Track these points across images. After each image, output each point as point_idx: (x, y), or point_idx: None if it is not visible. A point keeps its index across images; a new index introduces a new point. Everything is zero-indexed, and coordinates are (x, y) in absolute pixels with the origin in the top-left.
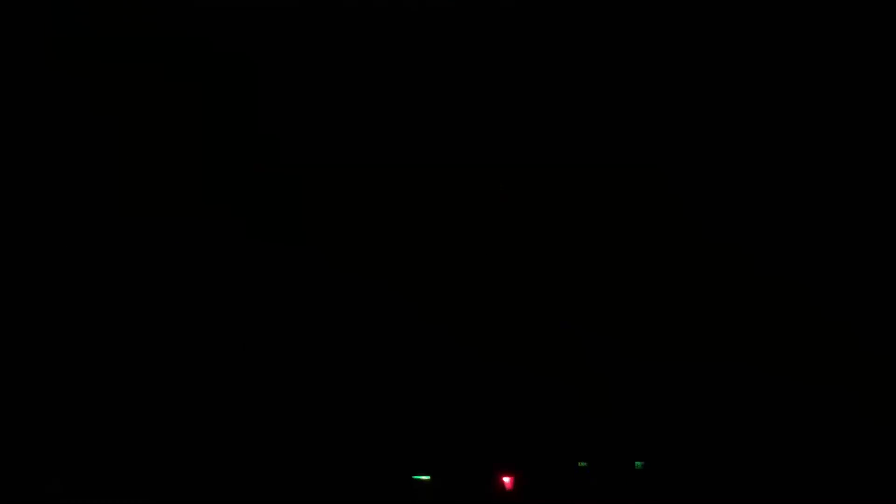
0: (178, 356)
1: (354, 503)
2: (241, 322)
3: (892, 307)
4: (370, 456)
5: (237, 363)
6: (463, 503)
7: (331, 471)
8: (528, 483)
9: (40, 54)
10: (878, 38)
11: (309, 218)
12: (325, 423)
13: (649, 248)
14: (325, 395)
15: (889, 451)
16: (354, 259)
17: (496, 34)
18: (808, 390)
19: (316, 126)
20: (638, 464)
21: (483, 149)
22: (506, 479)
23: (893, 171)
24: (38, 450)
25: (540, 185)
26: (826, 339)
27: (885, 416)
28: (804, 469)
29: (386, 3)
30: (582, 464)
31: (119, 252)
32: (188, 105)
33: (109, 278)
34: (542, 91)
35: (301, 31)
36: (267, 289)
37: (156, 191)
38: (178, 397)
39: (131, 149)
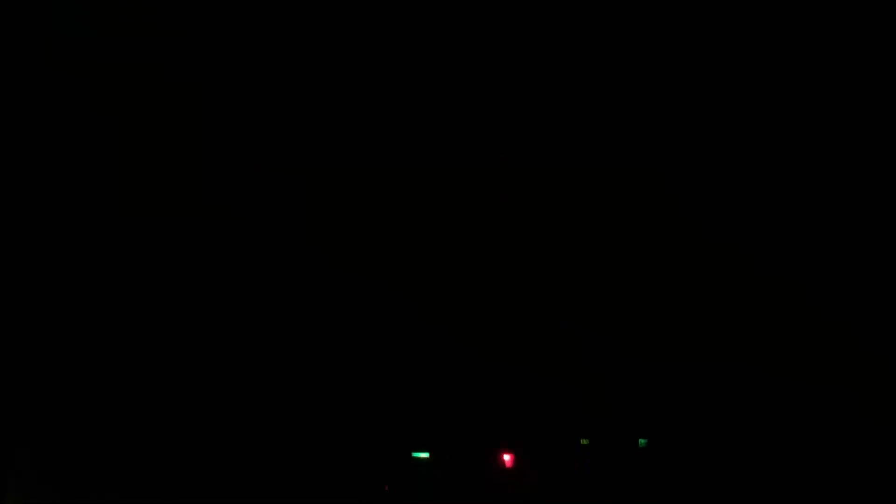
0: (179, 351)
1: (356, 480)
2: (241, 317)
3: (892, 307)
4: (371, 434)
5: (239, 351)
6: (462, 480)
7: (332, 450)
8: (530, 460)
9: (40, 54)
10: (877, 38)
11: (309, 218)
12: (328, 406)
13: (649, 245)
14: (327, 381)
15: (888, 450)
16: (354, 258)
17: (496, 34)
18: (804, 378)
19: (316, 126)
20: (642, 441)
21: (482, 149)
22: (506, 457)
23: (893, 171)
24: (38, 449)
25: (540, 185)
26: (824, 332)
27: (882, 410)
28: (804, 453)
29: (386, 4)
30: (584, 441)
31: (119, 252)
32: (188, 105)
33: (110, 278)
34: (543, 91)
35: (301, 31)
36: (267, 287)
37: (156, 191)
38: (181, 388)
39: (132, 149)
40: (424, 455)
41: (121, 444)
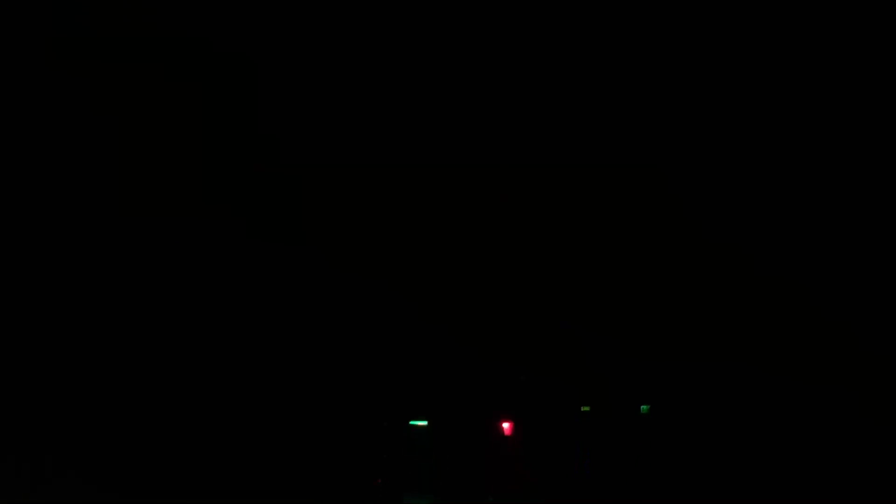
0: (179, 348)
1: (354, 448)
2: (240, 306)
3: (892, 307)
4: (370, 402)
5: (241, 335)
6: (461, 448)
7: (331, 419)
8: (530, 427)
9: (40, 54)
10: (877, 38)
11: (309, 217)
12: (327, 378)
13: (649, 238)
14: (327, 351)
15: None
16: (354, 258)
17: (496, 34)
18: (804, 355)
19: (316, 126)
20: (644, 407)
21: (483, 149)
22: (505, 425)
23: (893, 171)
24: (38, 449)
25: (540, 185)
26: (818, 305)
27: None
28: (805, 419)
29: (385, 4)
30: (585, 408)
31: (119, 252)
32: (188, 105)
33: (110, 278)
34: (543, 91)
35: (301, 31)
36: (267, 285)
37: (156, 191)
38: (182, 380)
39: (132, 149)
40: (423, 423)
41: (119, 444)
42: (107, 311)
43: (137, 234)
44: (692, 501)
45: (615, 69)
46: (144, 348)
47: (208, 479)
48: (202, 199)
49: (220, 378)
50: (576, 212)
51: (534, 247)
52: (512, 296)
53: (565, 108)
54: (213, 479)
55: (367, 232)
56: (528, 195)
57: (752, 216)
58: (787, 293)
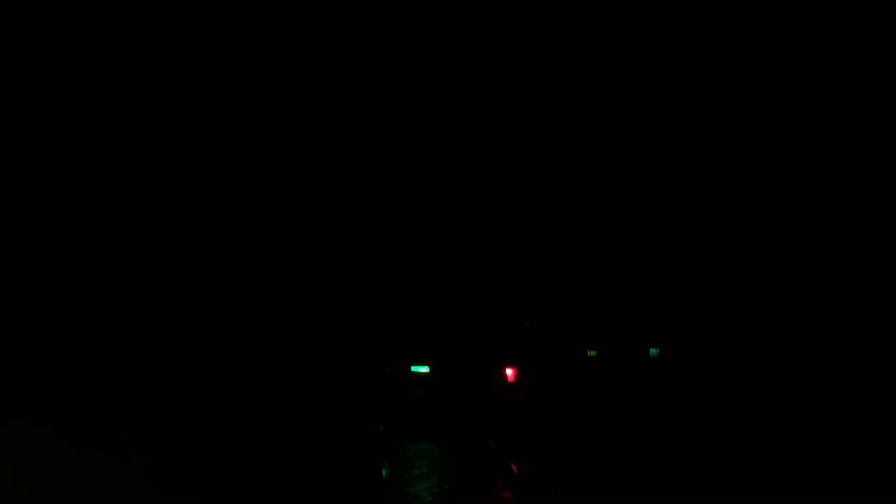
0: (176, 311)
1: (354, 395)
2: (240, 259)
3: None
4: (371, 349)
5: (241, 286)
6: (462, 394)
7: (333, 367)
8: (536, 373)
9: (40, 53)
10: (877, 38)
11: (308, 217)
12: (329, 326)
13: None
14: (327, 307)
15: None
16: (357, 209)
17: (496, 34)
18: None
19: (316, 126)
20: (653, 351)
21: (483, 148)
22: (508, 371)
23: (893, 172)
24: (40, 449)
25: (540, 184)
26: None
27: None
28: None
29: (385, 4)
30: (592, 353)
31: (119, 251)
32: (188, 105)
33: (109, 278)
34: (543, 91)
35: (301, 30)
36: (266, 236)
37: (156, 190)
38: (181, 341)
39: (131, 148)
40: (424, 369)
41: (113, 444)
42: (106, 311)
43: (137, 233)
44: (703, 447)
45: (615, 69)
46: (143, 346)
47: (206, 441)
48: (202, 199)
49: (220, 331)
50: (585, 161)
51: (540, 193)
52: (515, 241)
53: (566, 108)
54: (212, 438)
55: (372, 183)
56: (534, 149)
57: (751, 216)
58: (797, 237)
